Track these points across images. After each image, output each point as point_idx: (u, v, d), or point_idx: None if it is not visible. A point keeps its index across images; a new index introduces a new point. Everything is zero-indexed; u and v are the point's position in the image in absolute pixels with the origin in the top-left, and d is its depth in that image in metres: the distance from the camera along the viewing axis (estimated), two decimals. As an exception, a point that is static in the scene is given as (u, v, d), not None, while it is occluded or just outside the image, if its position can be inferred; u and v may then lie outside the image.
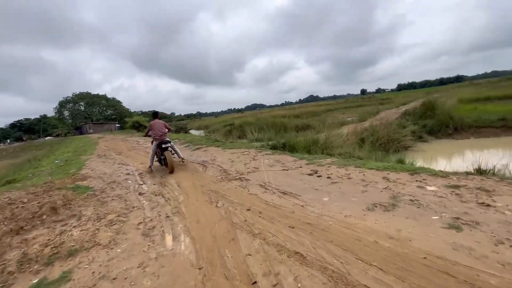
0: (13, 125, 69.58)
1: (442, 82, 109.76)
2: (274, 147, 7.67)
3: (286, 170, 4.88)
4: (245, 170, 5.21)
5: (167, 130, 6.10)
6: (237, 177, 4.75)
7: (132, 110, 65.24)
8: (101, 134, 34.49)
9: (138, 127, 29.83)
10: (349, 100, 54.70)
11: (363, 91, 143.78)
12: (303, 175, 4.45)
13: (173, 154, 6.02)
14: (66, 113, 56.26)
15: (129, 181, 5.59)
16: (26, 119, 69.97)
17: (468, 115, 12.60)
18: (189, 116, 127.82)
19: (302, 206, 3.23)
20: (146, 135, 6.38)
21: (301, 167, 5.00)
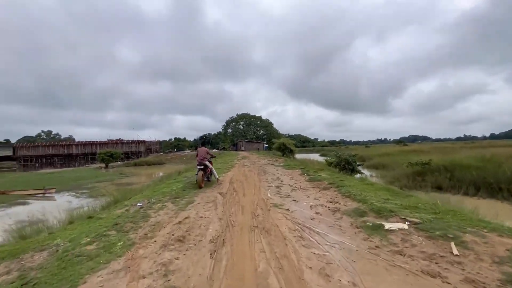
0: (200, 137, 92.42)
1: None
2: None
3: None
4: None
5: (209, 155, 8.22)
6: None
7: (281, 132, 67.13)
8: (248, 153, 34.52)
9: (283, 149, 25.99)
10: None
11: None
12: None
13: (210, 175, 8.21)
14: (229, 130, 66.21)
15: None
16: (209, 134, 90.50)
17: None
18: (332, 143, 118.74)
19: None
20: (197, 156, 8.03)
21: None
